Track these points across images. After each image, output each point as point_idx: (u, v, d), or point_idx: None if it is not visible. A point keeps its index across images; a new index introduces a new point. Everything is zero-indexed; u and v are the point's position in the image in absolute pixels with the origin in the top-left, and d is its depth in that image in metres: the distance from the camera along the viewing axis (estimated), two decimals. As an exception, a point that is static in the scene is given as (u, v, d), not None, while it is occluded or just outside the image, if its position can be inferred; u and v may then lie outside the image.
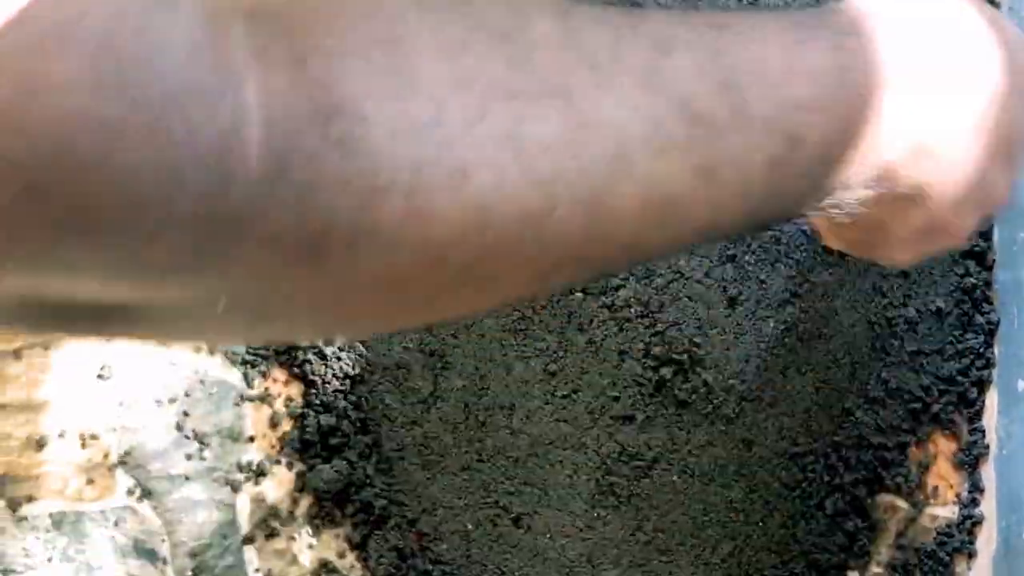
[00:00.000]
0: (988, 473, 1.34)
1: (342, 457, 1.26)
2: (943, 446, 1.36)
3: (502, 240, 0.50)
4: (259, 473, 1.24)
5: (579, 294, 1.16)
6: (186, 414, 1.21)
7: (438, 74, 0.48)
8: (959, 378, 1.35)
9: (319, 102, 0.44)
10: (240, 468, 1.24)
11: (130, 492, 1.19)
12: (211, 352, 1.22)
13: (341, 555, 1.27)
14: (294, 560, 1.25)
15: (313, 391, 1.26)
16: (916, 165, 0.70)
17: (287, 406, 1.26)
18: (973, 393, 1.35)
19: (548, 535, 1.24)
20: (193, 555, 1.22)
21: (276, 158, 0.42)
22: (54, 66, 0.36)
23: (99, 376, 1.18)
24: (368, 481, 1.26)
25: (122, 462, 1.19)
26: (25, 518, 1.15)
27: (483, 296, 0.57)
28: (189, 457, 1.21)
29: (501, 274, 0.53)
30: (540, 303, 1.17)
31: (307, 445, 1.26)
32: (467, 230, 0.49)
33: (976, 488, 1.35)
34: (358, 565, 1.28)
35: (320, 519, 1.26)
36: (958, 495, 1.36)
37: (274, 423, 1.25)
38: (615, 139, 0.53)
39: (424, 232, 0.48)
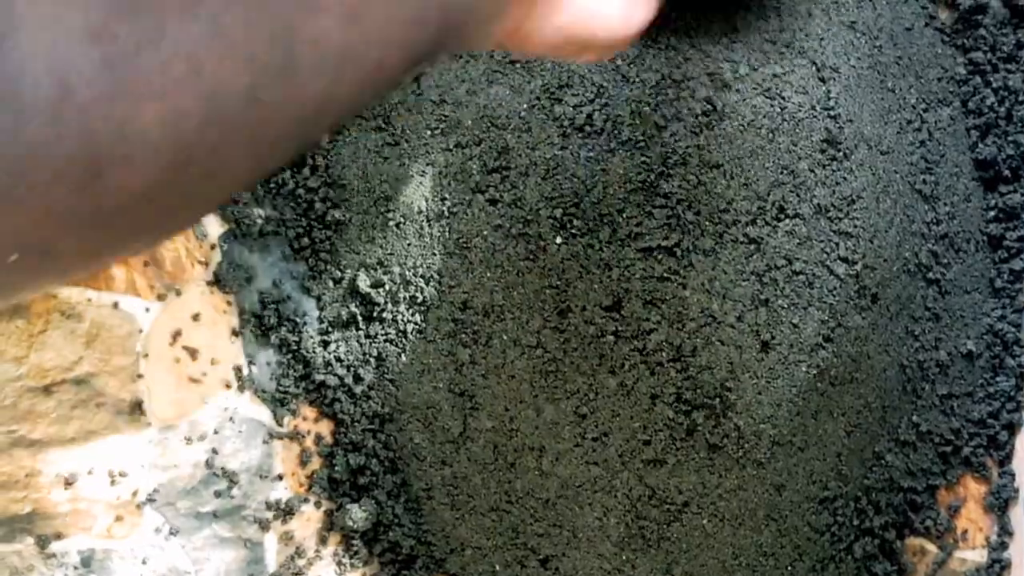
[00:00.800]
0: (1018, 517, 1.33)
1: (371, 496, 1.25)
2: (973, 489, 1.35)
3: (231, 124, 0.53)
4: (287, 511, 1.24)
5: (610, 337, 1.15)
6: (215, 451, 1.21)
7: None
8: (989, 421, 1.34)
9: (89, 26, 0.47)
10: (268, 506, 1.23)
11: (158, 530, 1.19)
12: (241, 390, 1.22)
13: (368, 594, 1.27)
14: (321, 598, 1.25)
15: (343, 430, 1.26)
16: None
17: (317, 444, 1.26)
18: (1004, 436, 1.34)
19: (576, 577, 1.23)
20: (220, 593, 1.22)
21: (60, 82, 0.45)
22: None
23: (129, 413, 1.18)
24: (396, 521, 1.26)
25: (150, 499, 1.19)
26: (54, 555, 1.15)
27: (220, 187, 0.59)
28: (218, 495, 1.21)
29: (232, 160, 0.56)
30: (572, 346, 1.16)
31: (336, 484, 1.26)
32: (206, 121, 0.52)
33: (1005, 532, 1.34)
34: (385, 604, 1.28)
35: (347, 558, 1.26)
36: (987, 539, 1.35)
37: (303, 461, 1.25)
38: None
39: (177, 130, 0.50)
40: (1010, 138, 1.37)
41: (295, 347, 1.24)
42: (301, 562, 1.25)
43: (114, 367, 1.18)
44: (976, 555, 1.35)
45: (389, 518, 1.26)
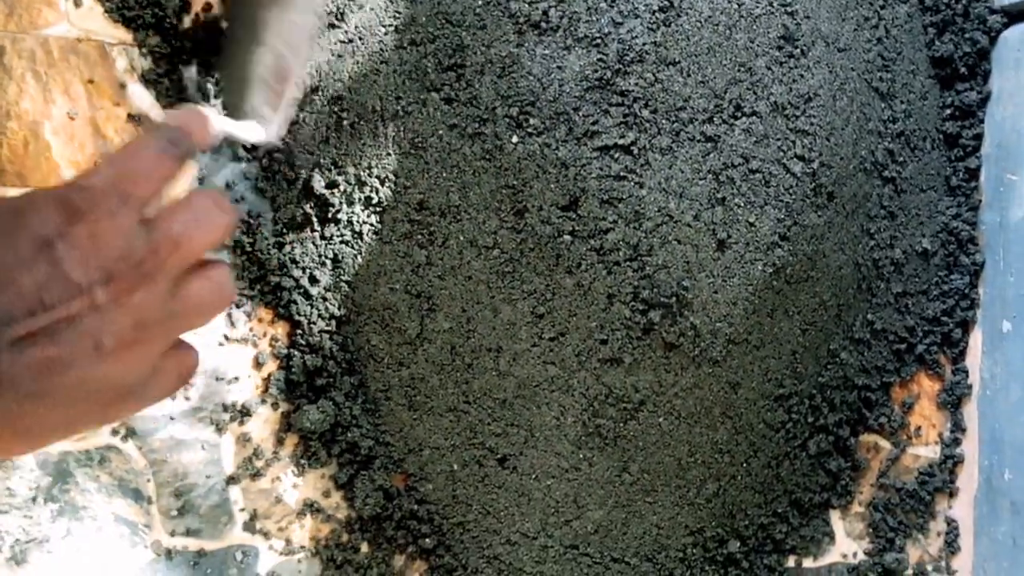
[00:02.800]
0: (971, 413, 1.35)
1: (328, 398, 1.25)
2: (927, 386, 1.37)
3: None
4: (244, 413, 1.23)
5: (567, 237, 1.15)
6: (170, 354, 1.20)
7: None
8: (943, 319, 1.35)
9: None
10: (225, 408, 1.23)
11: (115, 432, 1.18)
12: (195, 292, 1.21)
13: (326, 494, 1.27)
14: (279, 499, 1.25)
15: (299, 331, 1.25)
16: None
17: (272, 346, 1.25)
18: (957, 334, 1.35)
19: (534, 476, 1.24)
20: (178, 495, 1.21)
21: None
22: None
23: (82, 316, 1.17)
24: (354, 422, 1.26)
25: (106, 402, 1.18)
26: (9, 459, 1.15)
27: None
28: (174, 397, 1.21)
29: None
30: (529, 246, 1.16)
31: (293, 386, 1.25)
32: None
33: (958, 428, 1.35)
34: (343, 504, 1.28)
35: (305, 459, 1.26)
36: (940, 435, 1.37)
37: (259, 363, 1.24)
38: None
39: None
40: (967, 35, 1.36)
41: (249, 249, 1.23)
42: (259, 463, 1.24)
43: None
44: (929, 451, 1.37)
45: (347, 419, 1.25)
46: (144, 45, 1.20)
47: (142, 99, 1.20)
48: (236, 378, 1.23)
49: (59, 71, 1.16)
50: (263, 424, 1.25)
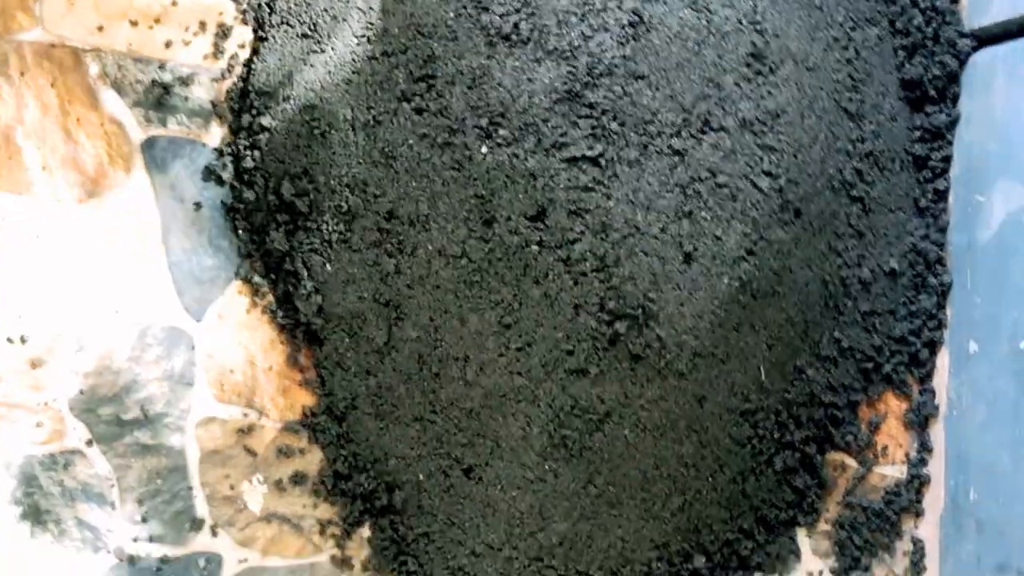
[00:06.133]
0: (937, 434, 1.36)
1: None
2: (894, 406, 1.37)
3: None
4: (210, 419, 1.23)
5: (535, 247, 1.16)
6: (137, 360, 1.20)
7: None
8: (911, 338, 1.36)
9: None
10: (190, 414, 1.23)
11: (80, 437, 1.18)
12: (163, 298, 1.22)
13: (291, 503, 1.27)
14: (244, 507, 1.25)
15: (266, 339, 1.25)
16: None
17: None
18: (924, 354, 1.36)
19: (499, 487, 1.24)
20: (141, 501, 1.21)
21: None
22: None
23: (50, 319, 1.17)
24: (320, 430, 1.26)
25: (72, 407, 1.18)
26: (-27, 461, 1.15)
27: None
28: (140, 403, 1.21)
29: None
30: (496, 255, 1.16)
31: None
32: None
33: (925, 448, 1.36)
34: (308, 513, 1.28)
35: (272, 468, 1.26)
36: (907, 455, 1.37)
37: (228, 370, 1.25)
38: None
39: None
40: (937, 58, 1.38)
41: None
42: (224, 470, 1.24)
43: (35, 273, 1.17)
44: (895, 471, 1.37)
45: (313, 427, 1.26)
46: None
47: (115, 105, 1.21)
48: (202, 385, 1.24)
49: (32, 76, 1.17)
50: (228, 431, 1.25)
